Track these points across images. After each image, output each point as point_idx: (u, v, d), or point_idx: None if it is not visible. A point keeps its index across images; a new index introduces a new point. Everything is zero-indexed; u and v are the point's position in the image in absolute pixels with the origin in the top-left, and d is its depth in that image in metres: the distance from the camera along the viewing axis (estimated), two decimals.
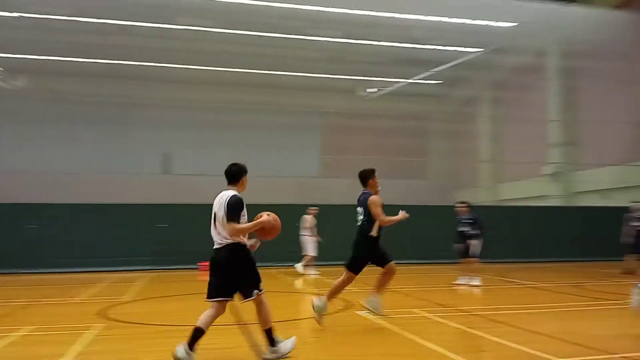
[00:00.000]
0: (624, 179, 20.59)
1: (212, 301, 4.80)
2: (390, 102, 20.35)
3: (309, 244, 13.86)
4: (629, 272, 13.02)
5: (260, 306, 4.82)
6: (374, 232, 6.48)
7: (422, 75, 22.65)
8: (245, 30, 19.86)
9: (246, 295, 4.78)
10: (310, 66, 22.59)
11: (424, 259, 17.01)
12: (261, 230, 4.81)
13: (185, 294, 10.19)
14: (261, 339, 5.01)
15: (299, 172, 24.03)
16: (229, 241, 4.73)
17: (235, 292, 4.82)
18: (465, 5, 20.10)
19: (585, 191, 22.79)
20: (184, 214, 15.98)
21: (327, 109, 22.34)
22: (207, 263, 4.96)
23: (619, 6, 22.28)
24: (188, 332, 4.72)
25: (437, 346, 5.48)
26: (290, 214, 17.02)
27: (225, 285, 4.77)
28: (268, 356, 4.85)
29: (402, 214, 6.58)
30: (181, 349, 4.54)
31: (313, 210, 14.16)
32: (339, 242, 17.26)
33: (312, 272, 13.88)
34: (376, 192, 6.66)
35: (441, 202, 20.18)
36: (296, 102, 20.81)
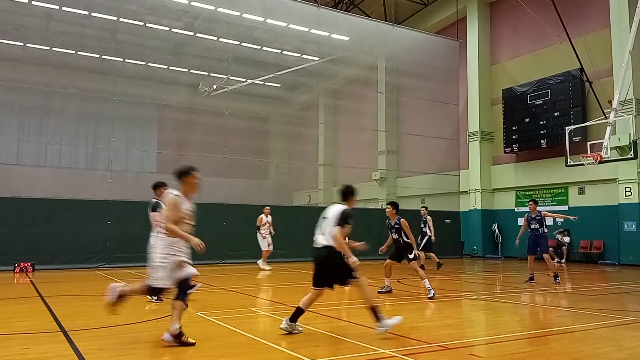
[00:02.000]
0: (439, 186, 23.32)
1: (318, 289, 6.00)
2: (232, 101, 20.12)
3: (264, 241, 15.52)
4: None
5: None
6: None
7: (263, 77, 22.91)
8: (73, 8, 18.02)
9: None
10: (148, 55, 21.34)
11: (255, 258, 17.17)
12: None
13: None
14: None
15: (135, 167, 22.47)
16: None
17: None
18: (305, 15, 20.89)
19: (407, 196, 25.31)
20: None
21: (165, 102, 21.22)
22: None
23: (437, 32, 25.21)
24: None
25: (273, 343, 5.49)
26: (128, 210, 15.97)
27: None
28: (377, 329, 5.85)
29: None
30: (284, 323, 5.87)
31: (267, 209, 15.70)
32: None
33: (267, 267, 15.33)
34: None
35: (282, 203, 20.58)
36: (131, 91, 19.36)
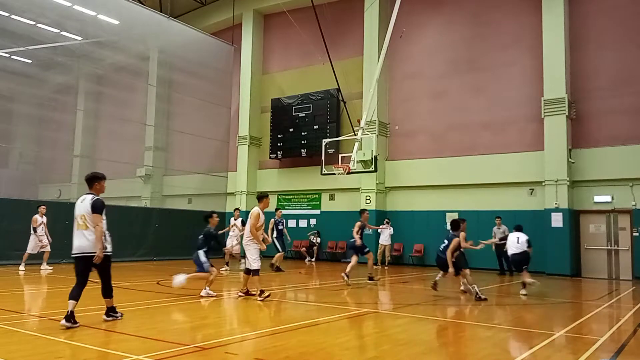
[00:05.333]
0: (206, 187, 23.37)
1: None
2: None
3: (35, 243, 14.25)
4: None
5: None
6: None
7: (10, 50, 19.62)
8: None
9: None
10: None
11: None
12: None
13: None
14: None
15: None
16: None
17: None
18: None
19: (173, 195, 24.71)
20: None
21: None
22: None
23: (214, 33, 25.36)
24: None
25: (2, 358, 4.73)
26: None
27: None
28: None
29: None
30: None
31: (43, 208, 14.43)
32: None
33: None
34: None
35: (24, 196, 17.88)
36: None
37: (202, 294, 9.40)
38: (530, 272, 16.82)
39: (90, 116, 24.57)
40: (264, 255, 20.56)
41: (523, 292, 11.16)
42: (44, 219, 14.38)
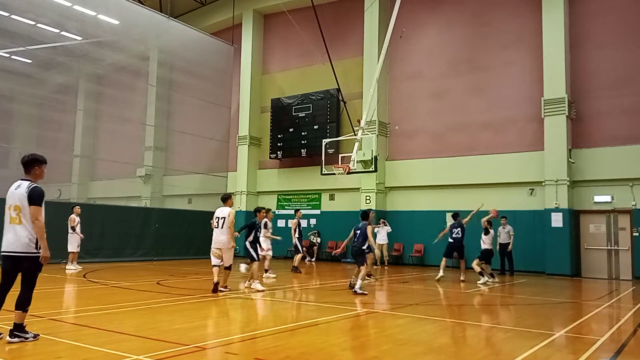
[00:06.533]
0: (206, 187, 23.37)
1: None
2: None
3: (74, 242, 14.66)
4: None
5: None
6: None
7: (10, 50, 19.60)
8: None
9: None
10: None
11: None
12: None
13: None
14: None
15: None
16: None
17: None
18: None
19: (173, 195, 24.71)
20: None
21: None
22: None
23: (214, 33, 25.36)
24: None
25: (2, 358, 4.72)
26: None
27: None
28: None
29: None
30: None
31: (78, 209, 14.85)
32: None
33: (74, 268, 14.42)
34: None
35: None
36: None
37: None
38: (531, 272, 16.92)
39: (90, 116, 24.54)
40: (286, 256, 20.73)
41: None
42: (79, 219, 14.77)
